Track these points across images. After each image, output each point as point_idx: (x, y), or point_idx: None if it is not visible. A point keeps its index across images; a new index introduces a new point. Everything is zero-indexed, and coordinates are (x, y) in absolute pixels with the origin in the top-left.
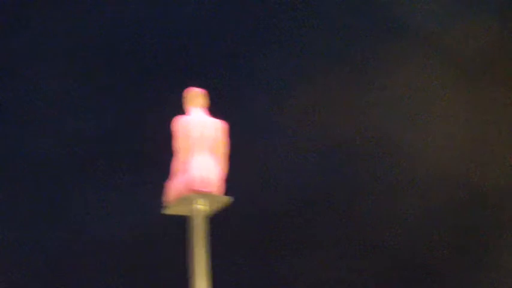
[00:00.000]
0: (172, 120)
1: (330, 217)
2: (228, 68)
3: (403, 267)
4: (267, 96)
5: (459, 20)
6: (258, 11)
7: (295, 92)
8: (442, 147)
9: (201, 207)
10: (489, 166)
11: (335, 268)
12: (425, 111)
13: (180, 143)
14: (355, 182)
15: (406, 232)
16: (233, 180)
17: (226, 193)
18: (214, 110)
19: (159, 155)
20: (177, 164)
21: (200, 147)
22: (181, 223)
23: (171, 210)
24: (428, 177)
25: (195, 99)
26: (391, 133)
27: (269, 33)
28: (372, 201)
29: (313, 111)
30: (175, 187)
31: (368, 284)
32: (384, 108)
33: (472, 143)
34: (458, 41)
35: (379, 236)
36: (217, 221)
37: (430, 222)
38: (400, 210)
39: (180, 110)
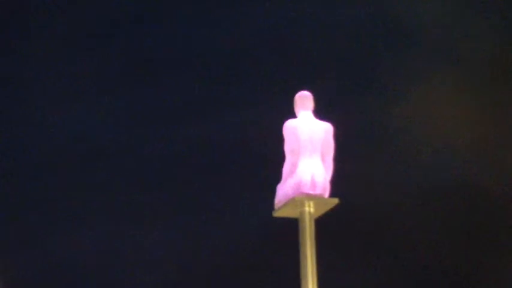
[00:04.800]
0: (283, 124)
1: (435, 219)
2: (337, 71)
3: (408, 267)
4: (375, 98)
5: (469, 29)
6: (368, 14)
7: (405, 94)
8: (453, 153)
9: (310, 209)
10: (498, 170)
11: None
12: (435, 118)
13: (289, 146)
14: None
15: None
16: (340, 182)
17: (333, 195)
18: (322, 113)
19: (270, 158)
20: (286, 167)
21: (309, 150)
22: (291, 225)
23: (281, 212)
24: (439, 182)
25: (304, 102)
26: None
27: (384, 36)
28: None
29: (420, 114)
30: (284, 190)
31: (366, 260)
32: (399, 115)
33: (481, 148)
34: (470, 50)
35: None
36: (325, 223)
37: (436, 224)
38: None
39: (290, 114)
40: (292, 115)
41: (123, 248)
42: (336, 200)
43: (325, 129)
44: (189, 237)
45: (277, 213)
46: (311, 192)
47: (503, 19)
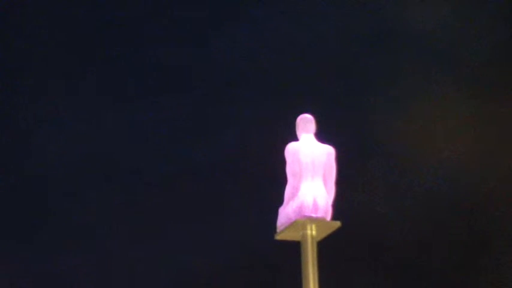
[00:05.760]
0: (285, 147)
1: (440, 241)
2: (335, 93)
3: (384, 277)
4: (378, 120)
5: (468, 32)
6: (364, 36)
7: (404, 115)
8: (449, 154)
9: (312, 232)
10: (492, 171)
11: None
12: (434, 120)
13: (291, 169)
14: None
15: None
16: (342, 205)
17: (335, 218)
18: (324, 136)
19: (271, 181)
20: (288, 190)
21: (311, 173)
22: (293, 248)
23: (283, 235)
24: (433, 180)
25: (306, 125)
26: (397, 139)
27: (384, 52)
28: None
29: (420, 134)
30: (286, 213)
31: (369, 283)
32: (396, 116)
33: (477, 149)
34: (468, 52)
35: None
36: (327, 246)
37: (434, 223)
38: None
39: (292, 136)
40: (294, 136)
41: (124, 264)
42: (338, 223)
43: (327, 152)
44: (191, 258)
45: (279, 236)
46: (313, 215)
47: (503, 20)
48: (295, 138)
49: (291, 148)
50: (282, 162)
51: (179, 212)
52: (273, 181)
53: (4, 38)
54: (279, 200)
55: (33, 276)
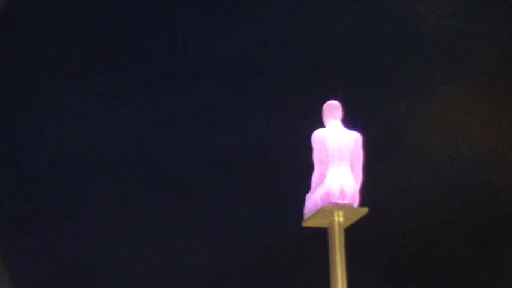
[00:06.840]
0: (312, 132)
1: (471, 232)
2: (362, 80)
3: (410, 264)
4: (403, 107)
5: (477, 29)
6: (391, 23)
7: (432, 102)
8: (454, 151)
9: (339, 218)
10: (497, 169)
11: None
12: (441, 118)
13: (317, 156)
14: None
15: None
16: (370, 192)
17: (363, 204)
18: (351, 122)
19: (298, 168)
20: (315, 177)
21: (337, 159)
22: (320, 235)
23: (310, 222)
24: (471, 191)
25: (333, 111)
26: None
27: (405, 43)
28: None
29: (447, 122)
30: (313, 200)
31: (373, 280)
32: (403, 114)
33: (482, 149)
34: (476, 50)
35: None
36: (354, 232)
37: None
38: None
39: (318, 123)
40: (320, 123)
41: (147, 256)
42: (365, 210)
43: (354, 139)
44: (216, 248)
45: (306, 223)
46: (340, 201)
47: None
48: (321, 125)
49: (317, 135)
50: (309, 148)
51: (203, 204)
52: (300, 168)
53: (4, 38)
54: (306, 188)
55: (32, 276)
